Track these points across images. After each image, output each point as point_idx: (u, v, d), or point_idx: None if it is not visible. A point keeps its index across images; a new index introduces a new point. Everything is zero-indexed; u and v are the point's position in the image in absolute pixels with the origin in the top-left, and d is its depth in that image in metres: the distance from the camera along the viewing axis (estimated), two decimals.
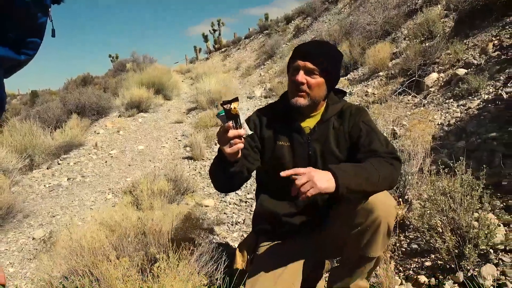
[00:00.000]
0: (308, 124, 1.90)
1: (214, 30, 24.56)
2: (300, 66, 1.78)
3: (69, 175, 5.88)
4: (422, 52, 5.46)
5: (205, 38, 24.85)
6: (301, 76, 1.77)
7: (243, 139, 1.49)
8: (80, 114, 9.13)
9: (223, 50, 22.23)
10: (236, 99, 1.41)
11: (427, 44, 5.77)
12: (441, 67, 4.93)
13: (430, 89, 4.68)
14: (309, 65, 1.76)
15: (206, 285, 2.06)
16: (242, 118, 1.45)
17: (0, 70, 0.93)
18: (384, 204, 1.65)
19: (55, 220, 4.17)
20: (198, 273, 2.08)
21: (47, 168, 6.32)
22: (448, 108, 3.84)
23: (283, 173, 1.53)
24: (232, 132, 1.46)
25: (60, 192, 5.20)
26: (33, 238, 3.79)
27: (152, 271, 2.01)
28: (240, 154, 1.57)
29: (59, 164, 6.45)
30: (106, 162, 6.35)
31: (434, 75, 4.86)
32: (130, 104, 9.72)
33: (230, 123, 1.42)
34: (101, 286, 2.02)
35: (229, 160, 1.59)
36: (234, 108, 1.39)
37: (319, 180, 1.50)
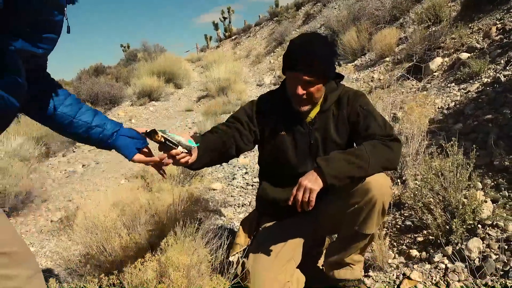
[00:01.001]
0: (309, 114, 1.95)
1: (224, 18, 24.53)
2: (298, 80, 1.79)
3: (83, 162, 6.10)
4: (427, 37, 5.49)
5: (216, 26, 24.85)
6: (301, 90, 1.79)
7: (184, 153, 1.58)
8: (93, 103, 9.36)
9: (233, 38, 22.25)
10: (153, 131, 1.50)
11: (433, 29, 5.78)
12: (446, 52, 4.97)
13: (434, 73, 4.74)
14: (306, 78, 1.76)
15: (210, 261, 2.20)
16: (178, 137, 1.54)
17: (19, 60, 1.07)
18: (380, 185, 1.74)
19: (71, 204, 4.38)
20: (204, 248, 2.23)
21: (63, 156, 6.56)
22: (449, 92, 3.91)
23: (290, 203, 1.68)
24: (163, 157, 1.58)
25: (76, 178, 5.42)
26: (51, 221, 4.01)
27: (160, 246, 2.17)
28: (193, 159, 1.68)
29: (74, 151, 6.68)
30: None
31: (438, 60, 4.90)
32: (142, 93, 9.91)
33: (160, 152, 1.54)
34: (114, 259, 2.19)
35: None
36: (156, 138, 1.49)
37: (310, 183, 1.64)
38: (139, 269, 2.06)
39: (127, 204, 2.67)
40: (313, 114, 1.94)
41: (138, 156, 1.57)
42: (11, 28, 1.00)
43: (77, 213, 3.01)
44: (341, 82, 2.01)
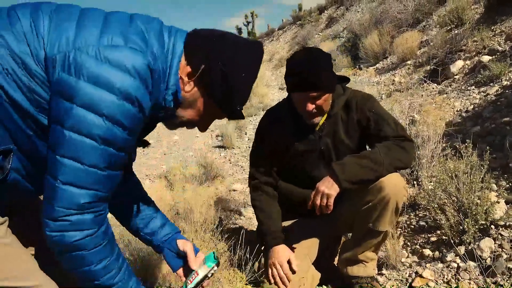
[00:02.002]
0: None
1: (248, 23, 24.75)
2: (306, 98, 1.84)
3: None
4: (449, 40, 5.47)
5: (239, 31, 25.11)
6: (310, 106, 1.85)
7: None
8: None
9: None
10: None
11: (455, 32, 5.76)
12: (467, 55, 4.96)
13: (455, 76, 4.74)
14: (314, 94, 1.82)
15: (229, 256, 2.30)
16: (200, 276, 1.48)
17: None
18: (393, 184, 1.81)
19: None
20: (223, 243, 2.34)
21: None
22: (469, 95, 3.92)
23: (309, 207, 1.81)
24: None
25: None
26: None
27: None
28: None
29: None
30: (143, 151, 6.75)
31: (459, 63, 4.89)
32: None
33: None
34: (138, 253, 2.32)
35: None
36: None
37: (327, 189, 1.74)
38: (161, 262, 2.19)
39: None
40: (321, 121, 1.99)
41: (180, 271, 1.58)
42: None
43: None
44: (347, 86, 2.07)
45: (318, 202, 1.75)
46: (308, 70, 1.81)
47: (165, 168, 5.21)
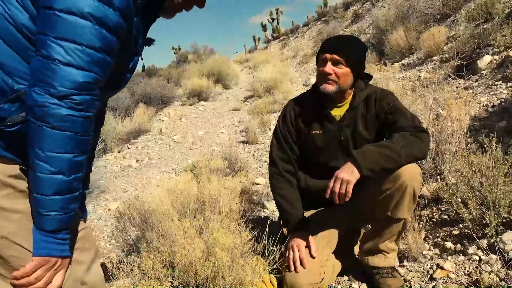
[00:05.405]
0: (338, 112, 2.12)
1: (273, 19, 24.76)
2: (328, 58, 2.00)
3: (137, 157, 6.52)
4: (477, 35, 5.38)
5: (264, 28, 25.13)
6: (329, 67, 1.99)
7: None
8: (146, 103, 9.87)
9: (281, 38, 22.40)
10: None
11: (484, 26, 5.66)
12: (496, 49, 4.87)
13: (483, 71, 4.67)
14: (336, 57, 1.97)
15: (253, 245, 2.37)
16: None
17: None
18: (409, 171, 1.88)
19: (127, 194, 4.75)
20: (247, 232, 2.41)
21: (119, 152, 7.02)
22: (496, 90, 3.87)
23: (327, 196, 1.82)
24: None
25: (130, 172, 5.82)
26: (109, 209, 4.38)
27: (208, 229, 2.38)
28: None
29: (128, 148, 7.13)
30: (169, 146, 6.92)
31: (487, 58, 4.82)
32: (192, 93, 10.32)
33: None
34: (166, 241, 2.43)
35: None
36: None
37: (347, 175, 1.78)
38: (188, 250, 2.28)
39: (180, 192, 2.92)
40: (342, 112, 2.10)
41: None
42: None
43: (134, 200, 3.31)
44: (369, 82, 2.17)
45: (337, 189, 1.79)
46: (336, 39, 2.10)
47: (191, 162, 5.35)
